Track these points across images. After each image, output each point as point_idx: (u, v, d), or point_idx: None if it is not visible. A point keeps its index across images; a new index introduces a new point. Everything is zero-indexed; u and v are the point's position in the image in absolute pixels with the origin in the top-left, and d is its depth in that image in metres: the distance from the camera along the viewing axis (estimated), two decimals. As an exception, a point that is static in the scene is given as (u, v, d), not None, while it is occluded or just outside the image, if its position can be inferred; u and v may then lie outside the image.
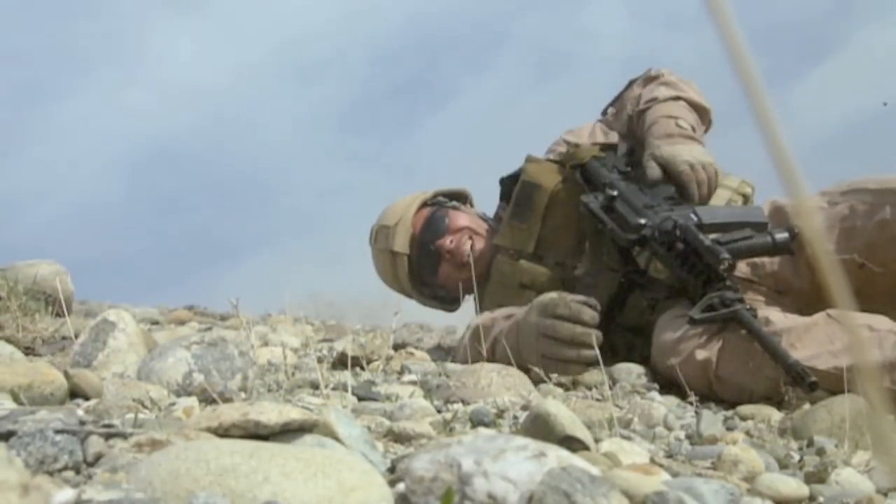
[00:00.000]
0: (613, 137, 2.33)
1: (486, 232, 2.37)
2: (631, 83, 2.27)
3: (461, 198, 2.57)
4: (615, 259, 2.09)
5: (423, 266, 2.40)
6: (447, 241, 2.33)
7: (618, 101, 2.30)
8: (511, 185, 2.30)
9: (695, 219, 1.85)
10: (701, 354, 1.74)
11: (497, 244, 2.26)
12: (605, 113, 2.34)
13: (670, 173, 2.02)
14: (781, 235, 1.81)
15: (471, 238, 2.34)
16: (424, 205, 2.45)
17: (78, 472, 0.69)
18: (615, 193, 2.00)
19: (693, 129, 2.08)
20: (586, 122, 2.44)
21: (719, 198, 2.14)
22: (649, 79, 2.23)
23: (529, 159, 2.31)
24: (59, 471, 0.68)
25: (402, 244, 2.39)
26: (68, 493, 0.55)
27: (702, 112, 2.18)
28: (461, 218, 2.40)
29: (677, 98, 2.14)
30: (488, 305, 2.18)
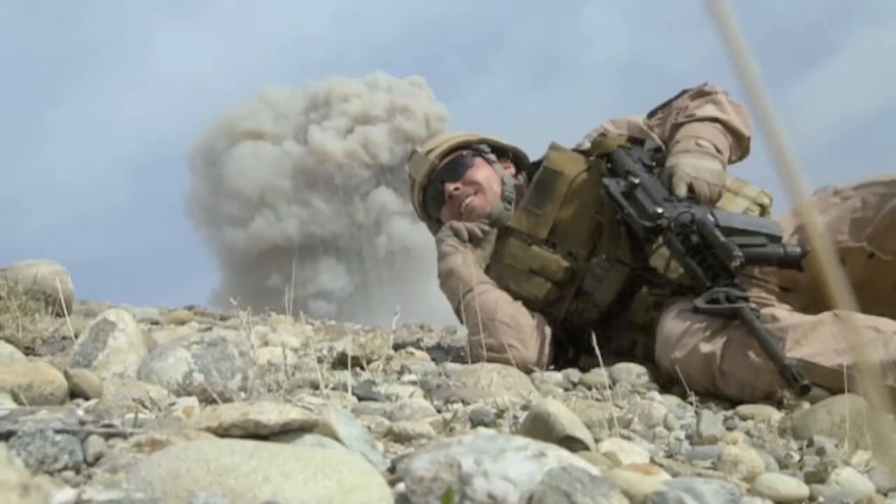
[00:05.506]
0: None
1: (495, 197, 2.34)
2: (683, 92, 2.26)
3: (503, 153, 2.50)
4: (626, 253, 2.10)
5: (430, 200, 2.46)
6: (452, 187, 2.36)
7: (666, 106, 2.30)
8: (534, 172, 2.31)
9: (712, 219, 1.86)
10: (705, 348, 1.76)
11: (510, 227, 2.26)
12: (651, 115, 2.34)
13: (672, 183, 2.01)
14: (793, 250, 1.84)
15: (475, 194, 2.34)
16: (467, 146, 2.44)
17: (78, 472, 0.69)
18: (637, 181, 2.00)
19: (717, 149, 2.06)
20: (632, 115, 2.43)
21: (737, 206, 2.15)
22: (701, 93, 2.21)
23: (553, 147, 2.31)
24: (59, 471, 0.68)
25: (420, 173, 2.44)
26: (68, 493, 0.55)
27: (738, 138, 2.16)
28: (481, 172, 2.37)
29: (716, 119, 2.13)
30: (495, 282, 2.20)
